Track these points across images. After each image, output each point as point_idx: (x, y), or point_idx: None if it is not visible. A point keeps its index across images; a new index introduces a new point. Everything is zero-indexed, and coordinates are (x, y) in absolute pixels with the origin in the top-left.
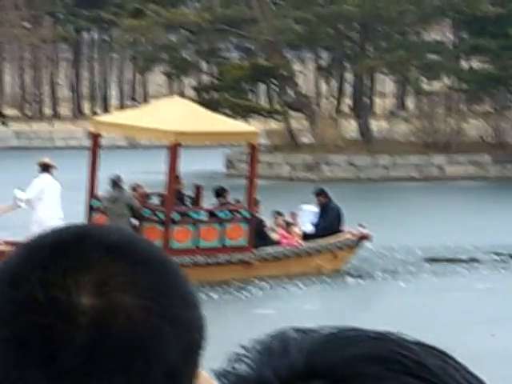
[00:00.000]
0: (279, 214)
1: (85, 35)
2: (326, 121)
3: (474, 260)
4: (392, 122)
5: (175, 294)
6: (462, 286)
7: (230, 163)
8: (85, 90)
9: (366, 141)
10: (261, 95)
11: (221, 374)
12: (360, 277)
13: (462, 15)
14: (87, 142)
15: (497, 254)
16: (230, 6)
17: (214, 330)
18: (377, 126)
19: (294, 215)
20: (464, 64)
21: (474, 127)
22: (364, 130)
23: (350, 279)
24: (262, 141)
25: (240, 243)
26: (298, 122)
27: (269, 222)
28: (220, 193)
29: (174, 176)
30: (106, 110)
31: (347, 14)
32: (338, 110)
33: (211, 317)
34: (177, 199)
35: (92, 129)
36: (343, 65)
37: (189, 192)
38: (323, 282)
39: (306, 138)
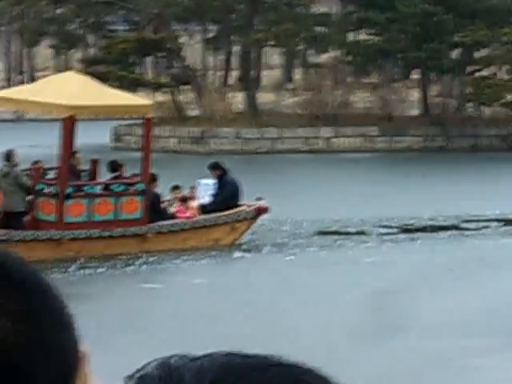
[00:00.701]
0: (177, 188)
1: None
2: (213, 94)
3: (361, 233)
4: (279, 95)
5: (50, 317)
6: (349, 260)
7: (116, 137)
8: None
9: (254, 113)
10: (148, 68)
11: None
12: (248, 251)
13: None
14: None
15: (385, 226)
16: None
17: (101, 303)
18: (264, 98)
19: (192, 189)
20: (352, 37)
21: (362, 100)
22: (251, 103)
23: (238, 253)
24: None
25: (135, 216)
26: (185, 95)
27: (167, 196)
28: (115, 167)
29: (67, 150)
30: None
31: None
32: (226, 83)
33: (99, 290)
34: (73, 174)
35: None
36: (230, 38)
37: (86, 167)
38: (213, 256)
39: (193, 111)
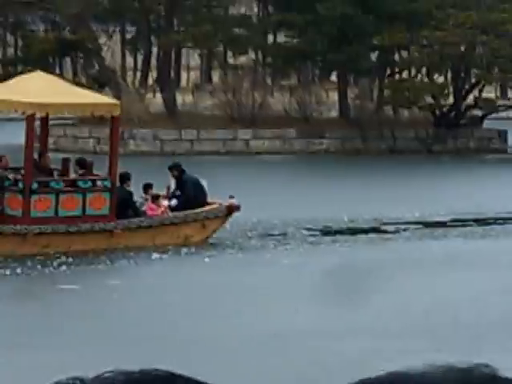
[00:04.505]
0: (148, 186)
1: None
2: (131, 95)
3: (282, 234)
4: (198, 96)
5: None
6: (267, 261)
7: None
8: None
9: (172, 115)
10: (67, 69)
11: None
12: (165, 252)
13: None
14: None
15: (305, 228)
16: None
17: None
18: (182, 99)
19: (167, 189)
20: (270, 38)
21: (280, 101)
22: (169, 104)
23: (151, 255)
24: (67, 115)
25: (102, 213)
26: (103, 95)
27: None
28: (82, 164)
29: (31, 146)
30: None
31: None
32: (144, 84)
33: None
34: (44, 172)
35: None
36: (149, 38)
37: (56, 166)
38: (134, 256)
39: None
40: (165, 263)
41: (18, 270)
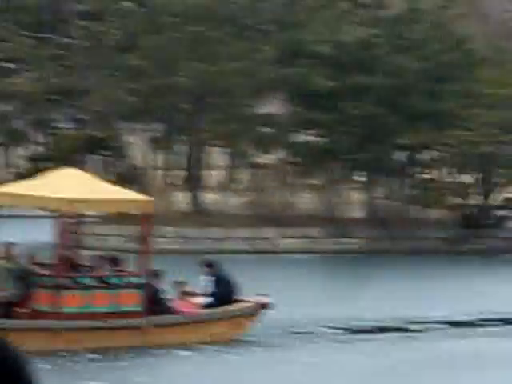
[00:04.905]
0: (180, 283)
1: None
2: (157, 193)
3: (307, 333)
4: (224, 195)
5: None
6: (291, 360)
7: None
8: None
9: (198, 213)
10: (94, 166)
11: None
12: (193, 349)
13: (295, 89)
14: None
15: (330, 327)
16: (63, 77)
17: None
18: (209, 198)
19: (196, 286)
20: (297, 137)
21: (306, 201)
22: (195, 203)
23: (181, 352)
24: (93, 212)
25: (133, 309)
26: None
27: (170, 291)
28: (115, 261)
29: (62, 243)
30: None
31: (180, 85)
32: (170, 182)
33: None
34: (73, 268)
35: None
36: (176, 137)
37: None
38: (163, 353)
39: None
40: (192, 361)
41: (48, 366)
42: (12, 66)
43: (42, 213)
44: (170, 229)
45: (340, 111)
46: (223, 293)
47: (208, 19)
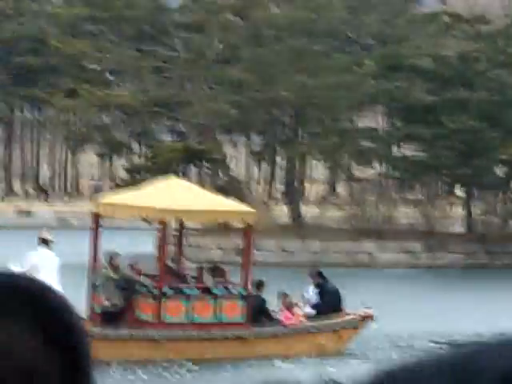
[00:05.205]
0: (285, 294)
1: (18, 114)
2: (257, 205)
3: (408, 346)
4: (323, 208)
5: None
6: None
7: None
8: (16, 169)
9: (297, 226)
10: (193, 178)
11: None
12: (293, 360)
13: (395, 102)
14: (16, 221)
15: (432, 341)
16: (163, 89)
17: None
18: (308, 211)
19: (303, 298)
20: (397, 151)
21: (405, 214)
22: (295, 216)
23: (283, 364)
24: (192, 224)
25: (236, 320)
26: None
27: (275, 302)
28: (218, 272)
29: (165, 252)
30: (39, 189)
31: (281, 98)
32: (270, 195)
33: None
34: (178, 278)
35: (95, 209)
36: (275, 149)
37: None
38: (263, 364)
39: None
40: (287, 372)
41: (144, 376)
42: (113, 77)
43: (145, 224)
44: (269, 241)
45: (440, 125)
46: (329, 304)
47: (309, 33)
